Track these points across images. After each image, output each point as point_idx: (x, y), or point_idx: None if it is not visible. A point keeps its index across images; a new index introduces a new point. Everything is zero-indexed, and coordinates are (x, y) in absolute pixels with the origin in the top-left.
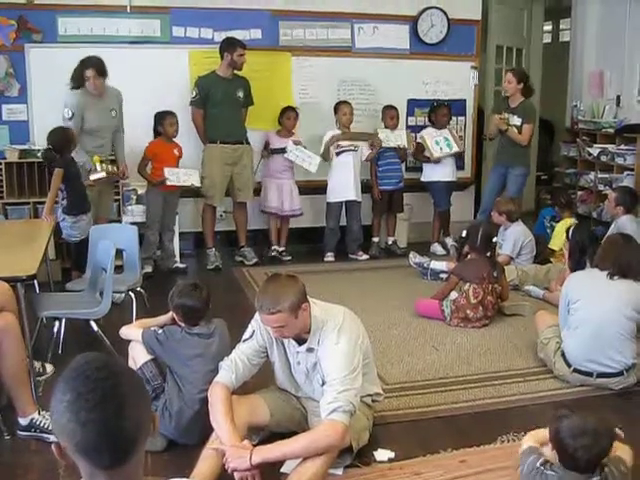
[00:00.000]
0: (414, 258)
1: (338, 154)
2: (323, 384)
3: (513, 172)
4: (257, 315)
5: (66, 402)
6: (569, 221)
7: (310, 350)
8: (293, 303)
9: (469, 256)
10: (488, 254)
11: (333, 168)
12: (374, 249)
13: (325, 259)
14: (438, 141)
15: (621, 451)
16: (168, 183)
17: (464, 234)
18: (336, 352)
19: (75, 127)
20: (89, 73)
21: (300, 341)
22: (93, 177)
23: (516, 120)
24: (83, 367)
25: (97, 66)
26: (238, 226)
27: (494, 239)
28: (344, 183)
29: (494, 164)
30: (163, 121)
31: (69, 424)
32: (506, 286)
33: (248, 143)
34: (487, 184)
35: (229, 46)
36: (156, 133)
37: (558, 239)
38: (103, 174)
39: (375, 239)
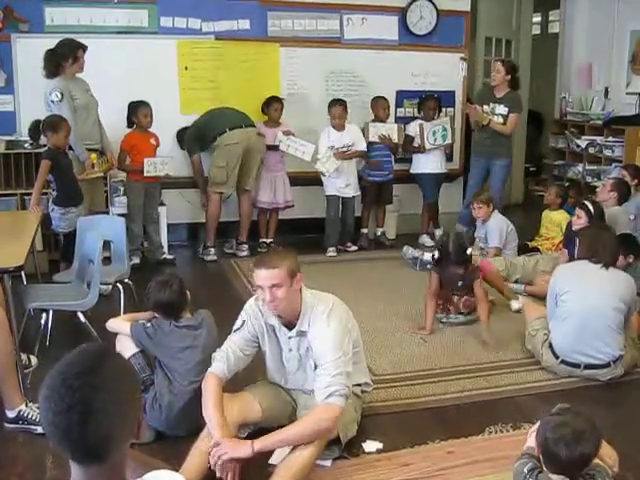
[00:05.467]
0: (407, 252)
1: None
2: (315, 368)
3: (498, 163)
4: (247, 305)
5: (43, 394)
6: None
7: (301, 334)
8: (290, 266)
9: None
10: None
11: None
12: (363, 240)
13: (327, 254)
14: (435, 131)
15: (606, 450)
16: (146, 174)
17: (436, 254)
18: (327, 334)
19: (69, 108)
20: (80, 53)
21: (290, 326)
22: (90, 176)
23: (502, 109)
24: (67, 367)
25: (83, 46)
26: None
27: (468, 250)
28: (341, 182)
29: (475, 156)
30: (137, 111)
31: (42, 414)
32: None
33: None
34: (471, 177)
35: None
36: (129, 122)
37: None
38: (100, 174)
39: (364, 230)
